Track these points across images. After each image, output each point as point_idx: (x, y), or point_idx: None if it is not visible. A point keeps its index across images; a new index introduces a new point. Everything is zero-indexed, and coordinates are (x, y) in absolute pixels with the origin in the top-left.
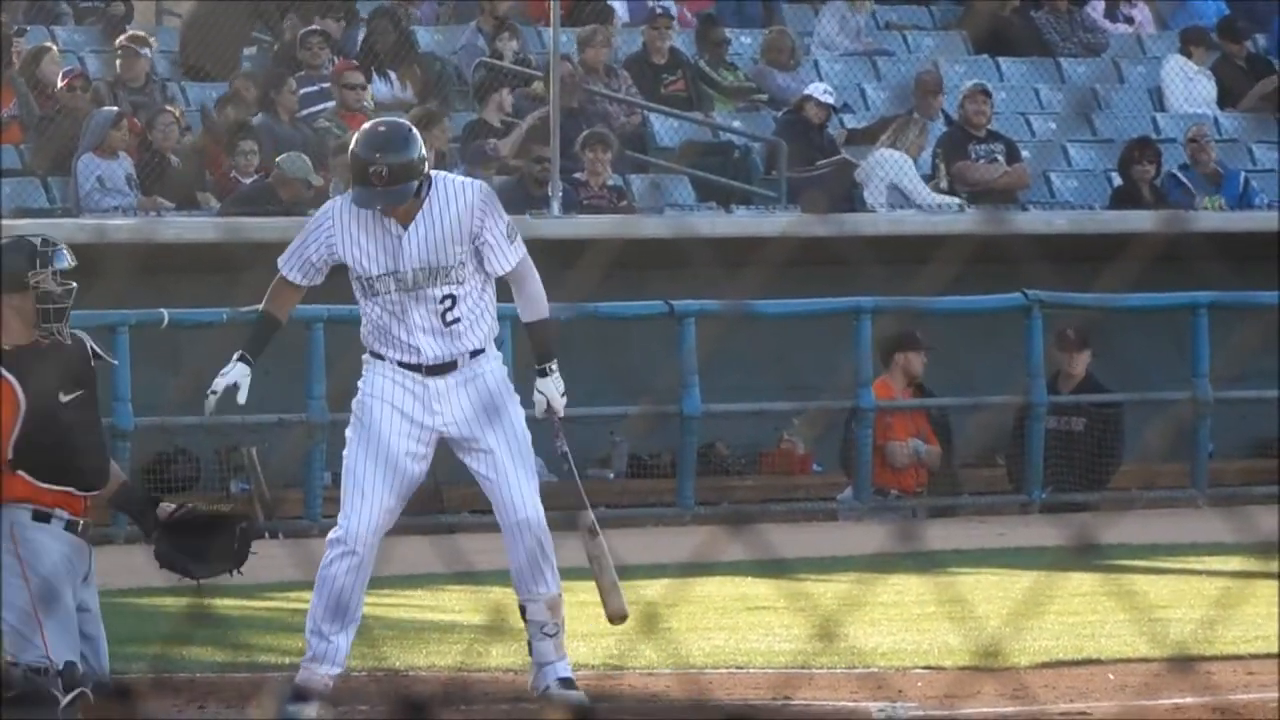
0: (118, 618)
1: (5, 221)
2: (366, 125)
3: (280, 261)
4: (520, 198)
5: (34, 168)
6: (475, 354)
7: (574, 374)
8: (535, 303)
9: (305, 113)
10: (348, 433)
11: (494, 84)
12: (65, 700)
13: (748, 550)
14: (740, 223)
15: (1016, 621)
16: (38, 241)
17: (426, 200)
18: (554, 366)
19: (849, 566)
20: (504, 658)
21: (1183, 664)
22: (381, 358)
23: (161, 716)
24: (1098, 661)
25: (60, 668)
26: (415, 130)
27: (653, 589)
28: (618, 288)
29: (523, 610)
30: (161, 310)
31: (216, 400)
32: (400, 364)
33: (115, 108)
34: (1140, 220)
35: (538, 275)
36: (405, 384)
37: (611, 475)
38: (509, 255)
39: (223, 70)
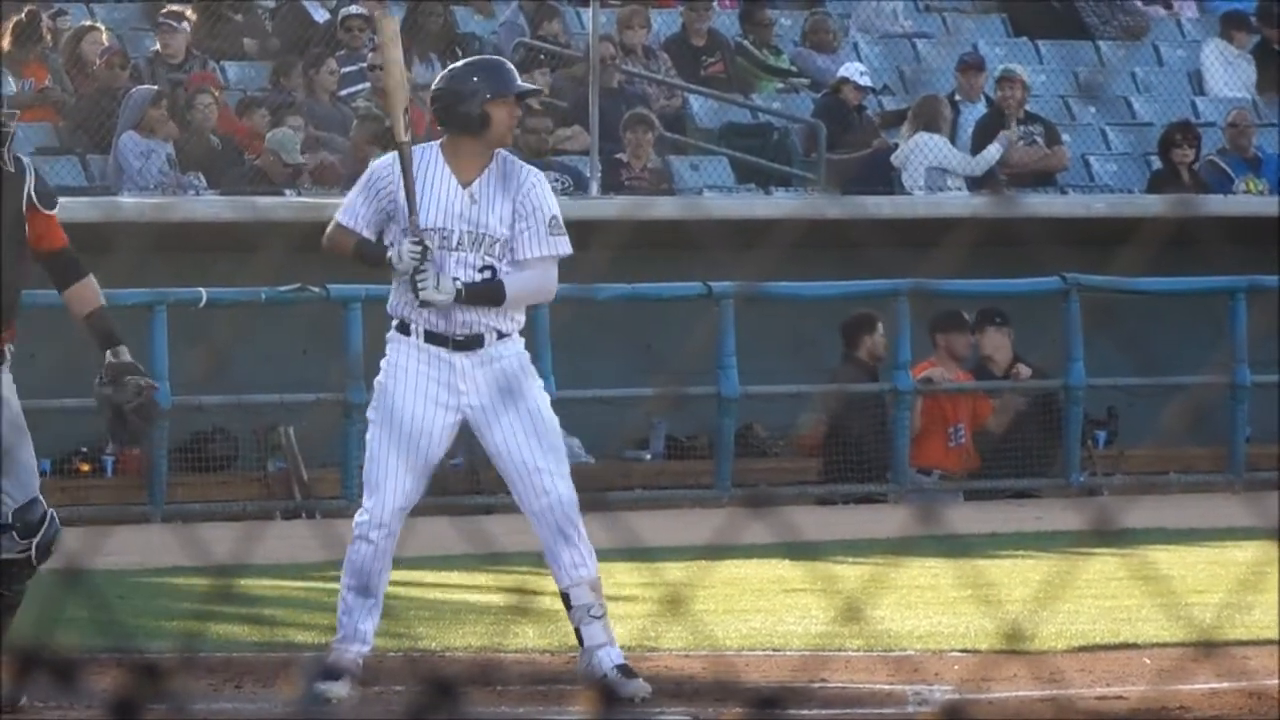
0: (149, 596)
1: None
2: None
3: (337, 214)
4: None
5: (71, 146)
6: (502, 337)
7: (612, 355)
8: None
9: (345, 92)
10: (369, 413)
11: (533, 64)
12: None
13: (779, 533)
14: (779, 204)
15: (1051, 605)
16: None
17: (489, 169)
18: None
19: (884, 549)
20: (538, 639)
21: (1218, 649)
22: (407, 332)
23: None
24: (1133, 646)
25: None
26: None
27: (686, 571)
28: (655, 269)
29: (565, 597)
30: (200, 289)
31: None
32: (428, 335)
33: (154, 86)
34: (1172, 204)
35: (551, 277)
36: (429, 362)
37: (649, 456)
38: (543, 245)
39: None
